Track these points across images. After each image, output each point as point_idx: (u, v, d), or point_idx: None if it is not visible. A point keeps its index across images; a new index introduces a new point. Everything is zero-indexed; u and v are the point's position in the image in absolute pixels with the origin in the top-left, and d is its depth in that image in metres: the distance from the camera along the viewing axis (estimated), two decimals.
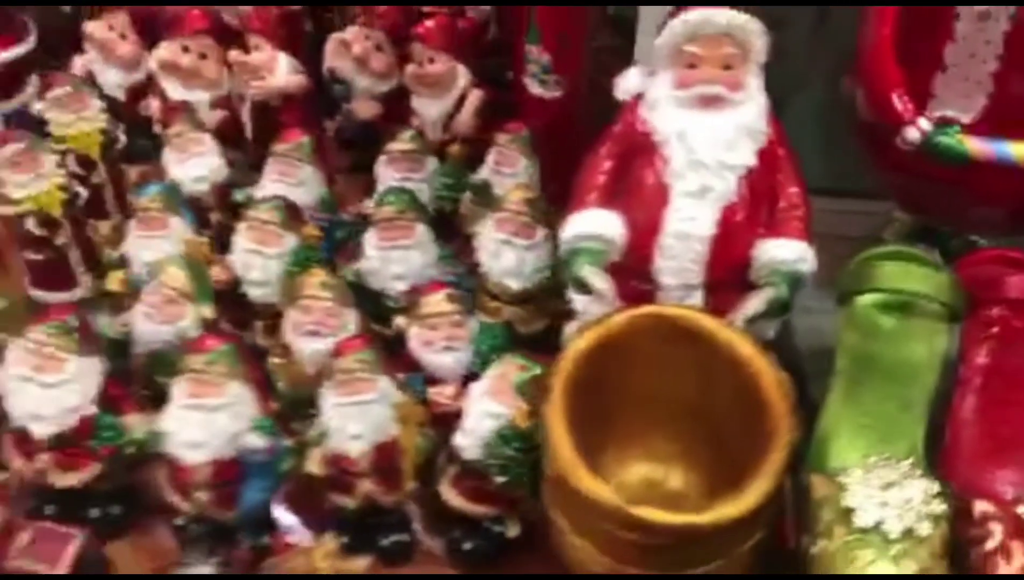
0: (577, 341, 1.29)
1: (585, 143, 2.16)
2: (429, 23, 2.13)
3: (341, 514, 1.50)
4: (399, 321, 1.65)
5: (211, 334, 1.47)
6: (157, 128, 2.14)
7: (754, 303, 1.31)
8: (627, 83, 1.40)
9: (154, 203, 1.76)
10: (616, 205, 1.36)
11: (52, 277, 1.89)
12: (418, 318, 1.61)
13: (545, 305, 1.80)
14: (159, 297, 1.60)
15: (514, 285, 1.77)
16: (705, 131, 1.29)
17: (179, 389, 1.43)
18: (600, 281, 1.33)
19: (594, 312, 1.39)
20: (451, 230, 1.96)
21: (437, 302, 1.59)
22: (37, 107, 1.96)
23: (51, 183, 1.80)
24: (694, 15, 1.27)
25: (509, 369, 1.44)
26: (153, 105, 2.16)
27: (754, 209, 1.33)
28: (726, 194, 1.31)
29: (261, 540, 1.50)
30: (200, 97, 2.14)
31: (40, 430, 1.46)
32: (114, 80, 2.20)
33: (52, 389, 1.44)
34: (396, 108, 2.27)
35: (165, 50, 2.11)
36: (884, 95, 1.36)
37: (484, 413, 1.44)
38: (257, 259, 1.73)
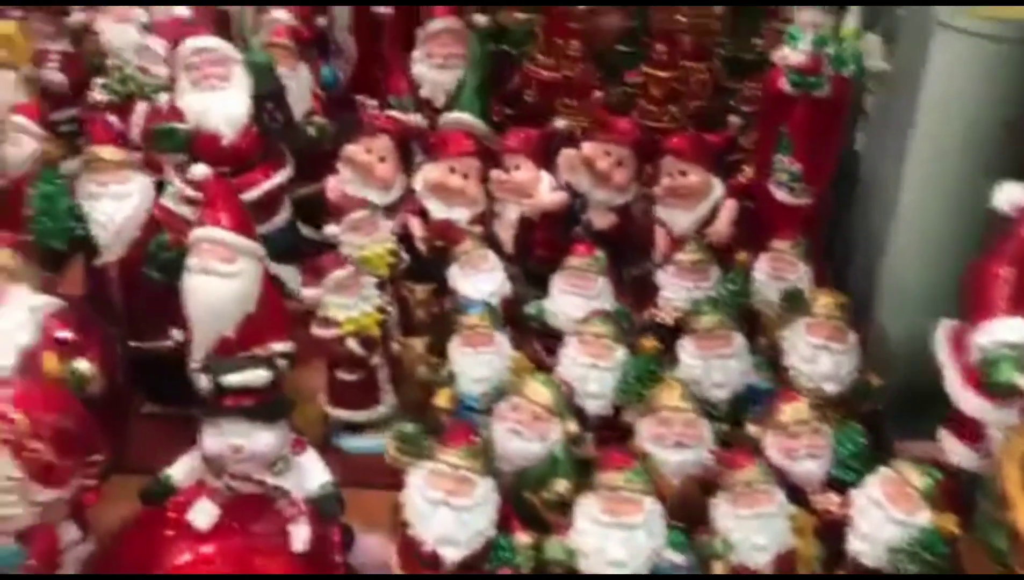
0: (1018, 442, 1.33)
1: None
2: (678, 138, 2.23)
3: None
4: (752, 429, 1.68)
5: (619, 451, 1.50)
6: (420, 246, 2.19)
7: None
8: (1011, 197, 1.49)
9: (483, 321, 1.81)
10: (1020, 310, 1.43)
11: (358, 396, 1.91)
12: (777, 427, 1.64)
13: (856, 406, 1.85)
14: (525, 414, 1.63)
15: (830, 389, 1.81)
16: None
17: (592, 507, 1.45)
18: None
19: (999, 417, 1.44)
20: None
21: (797, 410, 1.63)
22: (331, 229, 2.01)
23: (372, 305, 1.85)
24: None
25: (909, 475, 1.48)
26: (413, 223, 2.22)
27: None
28: None
29: None
30: (460, 215, 2.21)
31: (451, 555, 1.46)
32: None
33: (465, 513, 1.46)
34: (628, 218, 2.37)
35: (434, 171, 2.19)
36: None
37: (886, 519, 1.47)
38: (593, 372, 1.77)
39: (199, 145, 2.12)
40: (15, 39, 2.41)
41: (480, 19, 2.49)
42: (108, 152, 1.83)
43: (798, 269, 2.02)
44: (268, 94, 2.16)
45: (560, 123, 2.38)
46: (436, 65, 2.52)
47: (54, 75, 2.60)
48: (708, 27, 2.68)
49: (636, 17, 2.84)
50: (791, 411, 1.63)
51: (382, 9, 2.71)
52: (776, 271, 2.03)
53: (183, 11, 2.52)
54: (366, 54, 2.89)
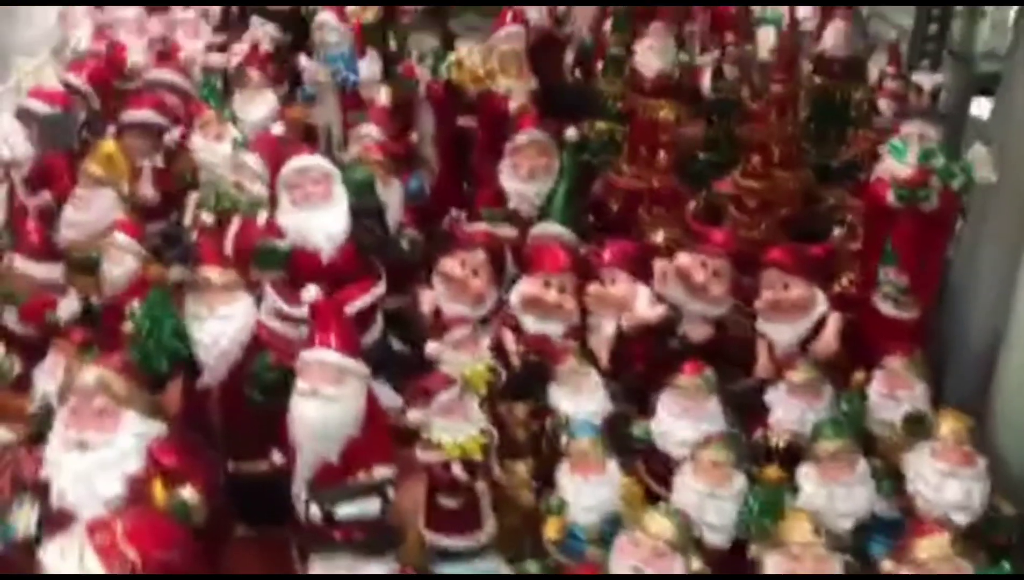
0: None
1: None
2: (780, 250, 2.18)
3: None
4: (886, 565, 1.58)
5: None
6: (514, 360, 2.15)
7: None
8: None
9: (595, 447, 1.75)
10: None
11: (459, 521, 1.84)
12: (914, 563, 1.54)
13: (987, 538, 1.74)
14: (647, 550, 1.55)
15: (960, 519, 1.71)
16: None
17: None
18: None
19: None
20: None
21: (936, 545, 1.53)
22: (433, 347, 1.98)
23: (475, 427, 1.80)
24: None
25: None
26: (507, 338, 2.18)
27: None
28: None
29: None
30: (554, 329, 2.16)
31: None
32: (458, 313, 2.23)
33: None
34: (724, 331, 2.31)
35: (529, 286, 2.16)
36: None
37: None
38: (712, 502, 1.70)
39: (298, 262, 2.11)
40: (116, 158, 2.47)
41: (571, 133, 2.50)
42: (217, 275, 1.83)
43: (914, 388, 1.92)
44: (367, 210, 2.16)
45: (659, 236, 2.35)
46: (523, 177, 2.53)
47: (147, 191, 2.64)
48: (795, 135, 2.68)
49: (718, 127, 2.88)
50: (929, 545, 1.53)
51: (468, 122, 2.76)
52: (891, 390, 1.93)
53: (276, 128, 2.58)
54: (448, 166, 2.93)
